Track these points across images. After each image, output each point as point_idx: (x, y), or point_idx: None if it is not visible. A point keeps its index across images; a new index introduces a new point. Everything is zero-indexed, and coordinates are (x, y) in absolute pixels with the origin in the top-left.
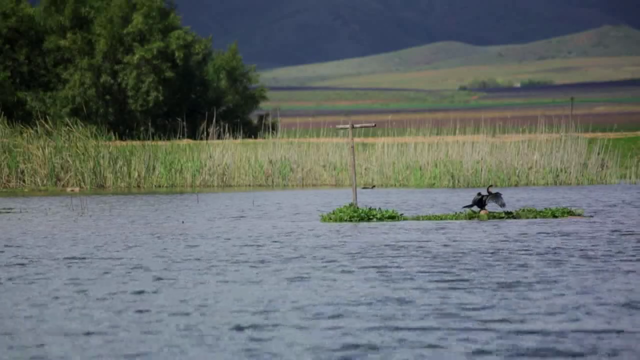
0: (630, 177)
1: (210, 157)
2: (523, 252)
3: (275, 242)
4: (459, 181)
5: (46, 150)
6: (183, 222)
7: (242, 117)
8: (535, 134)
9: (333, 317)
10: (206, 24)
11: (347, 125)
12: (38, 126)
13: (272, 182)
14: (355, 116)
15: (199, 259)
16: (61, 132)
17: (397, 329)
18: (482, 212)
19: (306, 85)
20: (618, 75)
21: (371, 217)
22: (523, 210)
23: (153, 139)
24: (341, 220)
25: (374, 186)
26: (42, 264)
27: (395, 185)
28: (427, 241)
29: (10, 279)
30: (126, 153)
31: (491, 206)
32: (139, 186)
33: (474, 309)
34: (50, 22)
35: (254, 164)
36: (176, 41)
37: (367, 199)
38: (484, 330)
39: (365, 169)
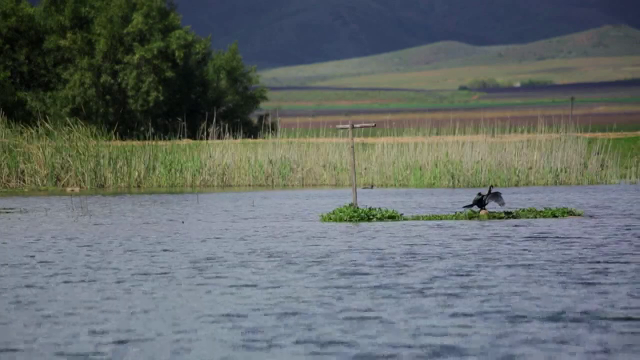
0: (630, 177)
1: (210, 157)
2: (522, 252)
3: (274, 242)
4: (458, 181)
5: (46, 150)
6: (183, 222)
7: (242, 117)
8: (535, 134)
9: (330, 319)
10: (206, 24)
11: (347, 125)
12: (38, 126)
13: (272, 182)
14: (355, 116)
15: (196, 260)
16: (61, 132)
17: (394, 330)
18: (482, 212)
19: (306, 85)
20: (618, 75)
21: (371, 217)
22: (523, 210)
23: (153, 139)
24: (341, 220)
25: (373, 186)
26: (42, 264)
27: (395, 185)
28: (427, 241)
29: (9, 280)
30: (126, 153)
31: (491, 206)
32: (139, 186)
33: (473, 309)
34: (50, 22)
35: (254, 164)
36: (176, 41)
37: (367, 199)
38: (482, 331)
39: (365, 169)
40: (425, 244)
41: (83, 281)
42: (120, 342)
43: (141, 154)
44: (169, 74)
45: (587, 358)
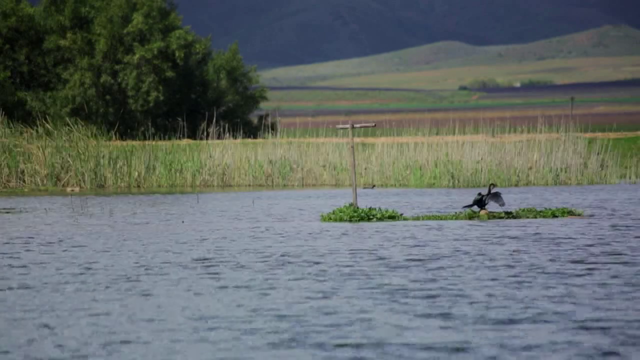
0: (630, 177)
1: (210, 157)
2: (522, 251)
3: (274, 242)
4: (458, 181)
5: (46, 150)
6: (183, 222)
7: (242, 117)
8: (535, 134)
9: (328, 320)
10: (206, 24)
11: (347, 125)
12: (38, 126)
13: (272, 182)
14: (355, 116)
15: (195, 260)
16: (61, 132)
17: (392, 331)
18: (482, 212)
19: (306, 85)
20: (618, 75)
21: (371, 216)
22: (523, 210)
23: (153, 139)
24: (341, 220)
25: (374, 186)
26: (42, 265)
27: (395, 185)
28: (427, 241)
29: (9, 280)
30: (126, 153)
31: (491, 206)
32: (139, 186)
33: (472, 309)
34: (50, 22)
35: (254, 164)
36: (176, 41)
37: (367, 199)
38: (480, 332)
39: (365, 168)
40: (425, 244)
41: (81, 282)
42: (114, 343)
43: (141, 154)
44: (169, 74)
45: None
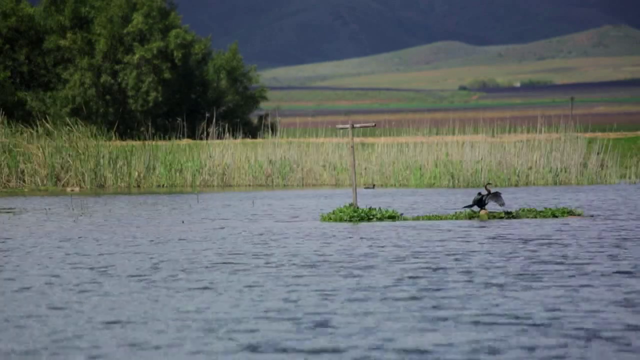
0: (630, 177)
1: (210, 157)
2: (522, 251)
3: (274, 242)
4: (458, 181)
5: (46, 150)
6: (183, 222)
7: (242, 117)
8: (535, 134)
9: (329, 321)
10: (206, 24)
11: (347, 125)
12: (38, 126)
13: (272, 182)
14: (355, 116)
15: (195, 260)
16: (61, 132)
17: (389, 332)
18: (482, 212)
19: (306, 85)
20: (618, 75)
21: (371, 217)
22: (523, 210)
23: (153, 139)
24: (341, 220)
25: (374, 185)
26: (42, 265)
27: (395, 185)
28: (427, 241)
29: (8, 280)
30: (126, 153)
31: (491, 206)
32: (139, 186)
33: (472, 310)
34: (50, 22)
35: (254, 164)
36: (175, 40)
37: (367, 199)
38: (483, 330)
39: (365, 168)
40: (424, 245)
41: (82, 282)
42: (109, 344)
43: (141, 154)
44: (167, 74)
45: None
